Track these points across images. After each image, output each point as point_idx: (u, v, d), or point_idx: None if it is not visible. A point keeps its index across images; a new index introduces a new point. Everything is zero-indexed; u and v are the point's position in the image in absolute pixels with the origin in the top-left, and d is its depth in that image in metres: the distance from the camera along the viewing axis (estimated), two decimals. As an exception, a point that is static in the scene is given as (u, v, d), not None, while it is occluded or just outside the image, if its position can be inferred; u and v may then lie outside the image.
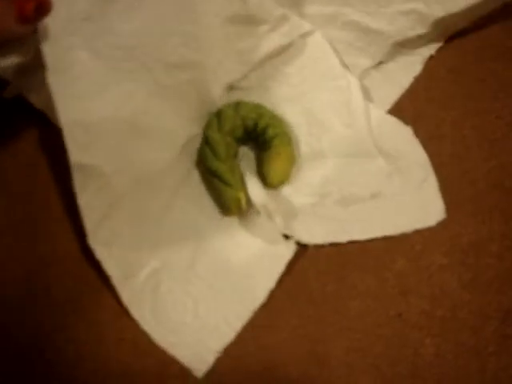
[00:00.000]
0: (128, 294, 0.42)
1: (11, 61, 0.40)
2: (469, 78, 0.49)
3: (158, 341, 0.42)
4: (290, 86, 0.47)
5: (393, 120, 0.47)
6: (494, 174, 0.46)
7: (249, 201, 0.44)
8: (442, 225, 0.45)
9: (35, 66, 0.39)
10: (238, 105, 0.46)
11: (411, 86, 0.49)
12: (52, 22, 0.37)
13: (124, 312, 0.43)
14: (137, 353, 0.42)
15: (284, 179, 0.45)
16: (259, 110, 0.46)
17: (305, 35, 0.47)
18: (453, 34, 0.50)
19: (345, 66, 0.48)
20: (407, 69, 0.49)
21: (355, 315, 0.43)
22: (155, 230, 0.44)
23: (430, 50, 0.50)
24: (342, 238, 0.44)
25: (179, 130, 0.45)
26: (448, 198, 0.45)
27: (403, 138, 0.47)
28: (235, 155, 0.46)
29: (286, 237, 0.44)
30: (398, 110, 0.48)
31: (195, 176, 0.47)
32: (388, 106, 0.48)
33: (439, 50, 0.50)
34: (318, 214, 0.45)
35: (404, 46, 0.49)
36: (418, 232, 0.45)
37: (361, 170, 0.46)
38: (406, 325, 0.43)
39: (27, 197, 0.46)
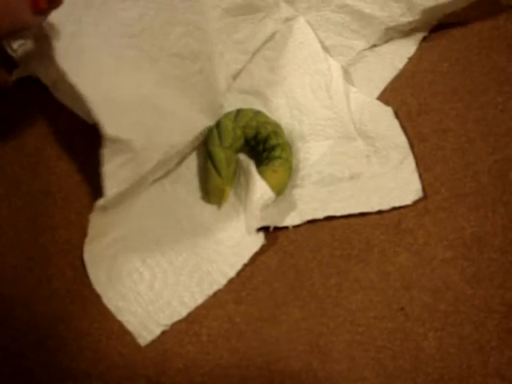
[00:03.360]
0: (88, 255, 0.43)
1: (23, 44, 0.43)
2: (473, 72, 0.48)
3: (107, 303, 0.42)
4: (271, 70, 0.48)
5: (374, 102, 0.48)
6: (497, 167, 0.46)
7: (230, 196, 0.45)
8: (445, 218, 0.45)
9: (45, 48, 0.40)
10: (237, 114, 0.46)
11: (415, 79, 0.49)
12: (55, 11, 0.37)
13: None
14: (138, 345, 0.42)
15: (278, 193, 0.45)
16: (260, 118, 0.46)
17: (288, 21, 0.48)
18: (444, 18, 0.50)
19: (326, 50, 0.48)
20: (401, 50, 0.50)
21: (357, 309, 0.43)
22: (131, 199, 0.44)
23: (424, 32, 0.50)
24: (319, 214, 0.45)
25: (193, 119, 0.45)
26: (451, 192, 0.45)
27: (383, 119, 0.47)
28: (236, 168, 0.46)
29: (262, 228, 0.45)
30: (402, 104, 0.48)
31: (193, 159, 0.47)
32: (383, 86, 0.49)
33: (443, 44, 0.50)
34: (296, 196, 0.46)
35: (397, 30, 0.49)
36: (421, 225, 0.45)
37: (340, 152, 0.47)
38: (408, 318, 0.43)
39: (28, 187, 0.46)
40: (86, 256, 0.42)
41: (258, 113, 0.46)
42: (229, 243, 0.44)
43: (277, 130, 0.46)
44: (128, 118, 0.39)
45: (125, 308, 0.42)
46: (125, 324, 0.42)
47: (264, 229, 0.45)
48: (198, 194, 0.46)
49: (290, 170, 0.46)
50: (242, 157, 0.47)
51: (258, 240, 0.44)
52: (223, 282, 0.43)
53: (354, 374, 0.41)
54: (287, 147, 0.46)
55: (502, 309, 0.42)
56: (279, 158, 0.45)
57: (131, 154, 0.39)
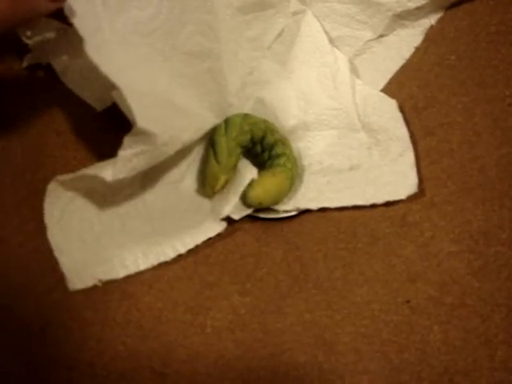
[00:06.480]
0: (53, 186, 0.42)
1: (38, 31, 0.43)
2: (480, 65, 0.48)
3: (50, 238, 0.43)
4: (279, 63, 0.48)
5: (378, 95, 0.48)
6: (505, 161, 0.45)
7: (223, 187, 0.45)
8: (451, 211, 0.44)
9: (59, 35, 0.42)
10: (246, 115, 0.46)
11: (422, 72, 0.48)
12: (76, 5, 0.38)
13: (130, 294, 0.43)
14: (142, 335, 0.42)
15: (262, 200, 0.44)
16: (269, 124, 0.46)
17: (296, 14, 0.48)
18: (452, 3, 0.50)
19: (333, 41, 0.48)
20: (408, 40, 0.50)
21: (363, 301, 0.43)
22: None
23: (431, 20, 0.50)
24: (313, 205, 0.45)
25: (203, 117, 0.45)
26: (458, 185, 0.45)
27: (386, 112, 0.47)
28: (236, 163, 0.46)
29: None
30: (408, 97, 0.48)
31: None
32: (389, 76, 0.49)
33: (451, 37, 0.49)
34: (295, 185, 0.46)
35: (404, 18, 0.49)
36: (427, 219, 0.44)
37: (343, 143, 0.47)
38: (414, 311, 0.42)
39: (32, 176, 0.46)
40: (51, 186, 0.42)
41: (266, 120, 0.46)
42: (187, 223, 0.45)
43: (285, 140, 0.46)
44: (152, 112, 0.39)
45: (65, 249, 0.43)
46: (60, 264, 0.42)
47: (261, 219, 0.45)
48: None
49: (291, 182, 0.45)
50: (245, 163, 0.47)
51: (218, 227, 0.44)
52: (171, 255, 0.44)
53: (359, 367, 0.41)
54: (293, 160, 0.45)
55: (509, 302, 0.42)
56: (283, 166, 0.44)
57: (150, 147, 0.39)
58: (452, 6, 0.50)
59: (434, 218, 0.44)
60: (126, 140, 0.38)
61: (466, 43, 0.49)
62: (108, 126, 0.46)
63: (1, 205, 0.45)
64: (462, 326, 0.42)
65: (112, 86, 0.37)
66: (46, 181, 0.42)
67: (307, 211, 0.45)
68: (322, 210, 0.45)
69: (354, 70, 0.48)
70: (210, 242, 0.44)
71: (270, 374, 0.41)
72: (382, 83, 0.49)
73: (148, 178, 0.45)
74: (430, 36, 0.49)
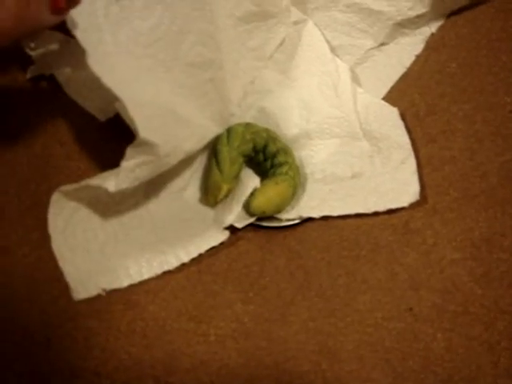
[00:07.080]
0: (57, 196, 0.43)
1: (41, 43, 0.44)
2: (481, 73, 0.48)
3: (55, 248, 0.43)
4: (281, 72, 0.48)
5: (380, 103, 0.48)
6: (506, 167, 0.46)
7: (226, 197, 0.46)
8: (453, 218, 0.45)
9: (62, 47, 0.43)
10: (248, 124, 0.46)
11: (423, 80, 0.49)
12: (81, 19, 0.38)
13: (134, 304, 0.43)
14: (146, 345, 0.42)
15: (265, 209, 0.44)
16: (270, 133, 0.46)
17: (297, 24, 0.48)
18: (453, 11, 0.50)
19: (334, 50, 0.49)
20: (409, 48, 0.50)
21: (366, 309, 0.43)
22: None
23: (431, 28, 0.50)
24: (315, 213, 0.45)
25: (205, 126, 0.45)
26: (460, 192, 0.45)
27: (388, 120, 0.47)
28: (239, 172, 0.46)
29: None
30: (410, 105, 0.48)
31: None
32: (390, 84, 0.49)
33: (451, 44, 0.50)
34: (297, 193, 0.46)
35: (405, 26, 0.49)
36: (429, 226, 0.44)
37: (345, 152, 0.47)
38: (417, 319, 0.42)
39: (37, 186, 0.46)
40: (55, 197, 0.43)
41: (268, 129, 0.46)
42: (191, 232, 0.45)
43: (287, 149, 0.46)
44: (154, 123, 0.39)
45: (70, 259, 0.43)
46: (64, 274, 0.43)
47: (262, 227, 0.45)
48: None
49: (294, 190, 0.45)
50: (248, 172, 0.47)
51: (222, 236, 0.45)
52: (175, 264, 0.44)
53: (362, 375, 0.41)
54: (295, 168, 0.46)
55: (511, 309, 0.42)
56: (285, 174, 0.45)
57: (153, 157, 0.39)
58: (452, 13, 0.50)
59: (437, 225, 0.45)
60: (129, 151, 0.38)
61: (467, 51, 0.49)
62: (111, 136, 0.46)
63: (5, 215, 0.45)
64: (465, 334, 0.42)
65: (115, 97, 0.37)
66: (50, 191, 0.42)
67: (310, 219, 0.45)
68: (325, 218, 0.45)
69: (355, 79, 0.49)
70: (213, 251, 0.44)
71: (274, 383, 0.42)
72: (384, 91, 0.49)
73: (151, 187, 0.45)
74: (431, 44, 0.50)
